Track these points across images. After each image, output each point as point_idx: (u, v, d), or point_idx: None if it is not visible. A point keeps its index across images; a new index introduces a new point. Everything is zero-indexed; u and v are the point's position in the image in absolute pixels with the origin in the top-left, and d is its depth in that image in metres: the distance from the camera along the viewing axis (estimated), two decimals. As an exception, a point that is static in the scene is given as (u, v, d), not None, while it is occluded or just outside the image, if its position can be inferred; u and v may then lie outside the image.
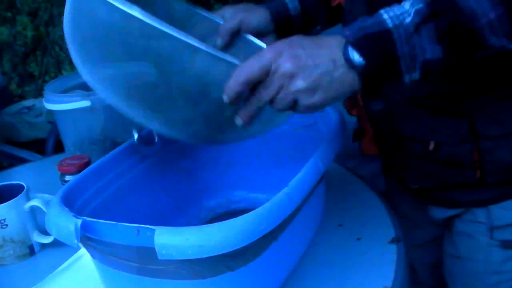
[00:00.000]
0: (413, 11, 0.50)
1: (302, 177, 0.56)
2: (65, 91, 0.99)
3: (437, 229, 0.86)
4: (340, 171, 0.92)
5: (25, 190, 0.74)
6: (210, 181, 0.84)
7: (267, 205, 0.50)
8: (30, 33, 2.38)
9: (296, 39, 0.53)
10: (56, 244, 0.74)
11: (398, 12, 0.51)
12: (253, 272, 0.54)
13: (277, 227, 0.50)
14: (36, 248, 0.75)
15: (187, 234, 0.45)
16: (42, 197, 0.76)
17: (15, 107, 1.99)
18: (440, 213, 0.80)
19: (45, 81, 2.41)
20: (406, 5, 0.51)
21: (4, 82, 2.31)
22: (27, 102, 2.06)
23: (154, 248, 0.45)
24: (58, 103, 0.92)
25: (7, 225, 0.71)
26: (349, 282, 0.62)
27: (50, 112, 0.99)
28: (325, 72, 0.51)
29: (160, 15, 0.49)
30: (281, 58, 0.51)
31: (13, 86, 2.41)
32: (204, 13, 0.73)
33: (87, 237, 0.50)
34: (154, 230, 0.46)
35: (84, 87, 0.98)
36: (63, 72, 2.44)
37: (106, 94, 0.56)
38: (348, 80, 0.52)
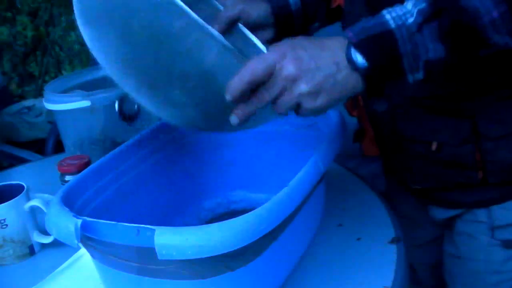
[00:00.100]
0: (415, 11, 0.50)
1: (302, 177, 0.56)
2: (65, 91, 0.99)
3: (437, 229, 0.86)
4: (340, 171, 0.92)
5: (25, 190, 0.74)
6: (210, 181, 0.84)
7: (267, 205, 0.50)
8: (30, 33, 2.38)
9: (298, 41, 0.53)
10: (56, 244, 0.74)
11: (401, 13, 0.51)
12: (253, 272, 0.54)
13: (277, 227, 0.50)
14: (36, 248, 0.75)
15: (187, 234, 0.45)
16: (42, 197, 0.76)
17: (15, 107, 2.00)
18: (441, 213, 0.80)
19: (45, 81, 2.41)
20: (409, 5, 0.51)
21: (4, 82, 2.32)
22: (27, 102, 2.06)
23: (154, 248, 0.45)
24: (58, 103, 0.92)
25: (7, 225, 0.71)
26: (349, 282, 0.62)
27: (50, 112, 0.99)
28: (328, 75, 0.51)
29: None
30: (284, 60, 0.50)
31: (13, 86, 2.41)
32: None
33: (87, 237, 0.50)
34: (154, 230, 0.46)
35: (84, 87, 0.98)
36: (63, 72, 2.44)
37: (102, 55, 0.55)
38: (351, 82, 0.51)
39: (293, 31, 0.78)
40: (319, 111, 0.53)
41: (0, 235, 0.71)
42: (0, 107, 1.97)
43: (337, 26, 0.81)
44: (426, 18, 0.50)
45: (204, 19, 0.49)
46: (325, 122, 0.73)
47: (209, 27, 0.48)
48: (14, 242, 0.72)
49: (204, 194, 0.83)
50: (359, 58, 0.50)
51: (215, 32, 0.49)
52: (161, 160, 0.75)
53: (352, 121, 1.10)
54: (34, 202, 0.73)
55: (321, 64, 0.51)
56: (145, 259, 0.49)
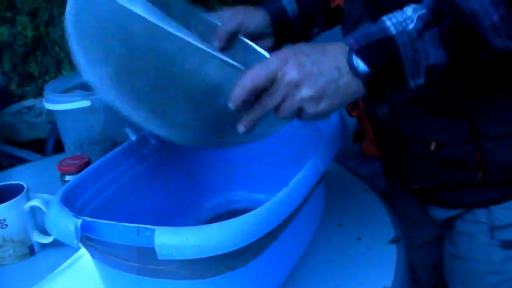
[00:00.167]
0: (415, 17, 0.50)
1: (302, 177, 0.56)
2: (65, 91, 0.99)
3: (437, 229, 0.86)
4: (340, 171, 0.92)
5: (25, 190, 0.74)
6: (210, 181, 0.84)
7: (267, 205, 0.50)
8: (30, 33, 2.38)
9: (299, 47, 0.53)
10: (56, 244, 0.74)
11: (401, 19, 0.51)
12: (253, 272, 0.54)
13: (277, 227, 0.50)
14: (36, 248, 0.75)
15: (187, 234, 0.45)
16: (42, 197, 0.76)
17: (15, 107, 1.99)
18: (441, 213, 0.80)
19: (45, 81, 2.41)
20: (409, 11, 0.51)
21: (4, 82, 2.31)
22: (27, 102, 2.05)
23: (154, 248, 0.45)
24: (58, 103, 0.91)
25: (7, 225, 0.71)
26: (349, 282, 0.62)
27: (50, 112, 0.99)
28: (330, 80, 0.51)
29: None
30: (286, 65, 0.50)
31: (13, 86, 2.41)
32: (203, 14, 0.73)
33: (87, 237, 0.50)
34: (154, 230, 0.46)
35: (84, 87, 0.98)
36: (63, 72, 2.44)
37: (105, 92, 0.55)
38: (353, 87, 0.52)
39: (293, 38, 0.78)
40: (321, 116, 0.53)
41: (0, 235, 0.71)
42: (0, 107, 1.97)
43: (337, 31, 0.81)
44: (427, 24, 0.50)
45: (200, 35, 0.49)
46: (325, 122, 0.73)
47: (204, 47, 0.48)
48: (14, 242, 0.72)
49: (204, 194, 0.83)
50: (360, 64, 0.50)
51: (212, 51, 0.49)
52: (162, 160, 0.75)
53: (352, 121, 1.10)
54: (34, 202, 0.73)
55: (323, 69, 0.51)
56: (145, 259, 0.49)
